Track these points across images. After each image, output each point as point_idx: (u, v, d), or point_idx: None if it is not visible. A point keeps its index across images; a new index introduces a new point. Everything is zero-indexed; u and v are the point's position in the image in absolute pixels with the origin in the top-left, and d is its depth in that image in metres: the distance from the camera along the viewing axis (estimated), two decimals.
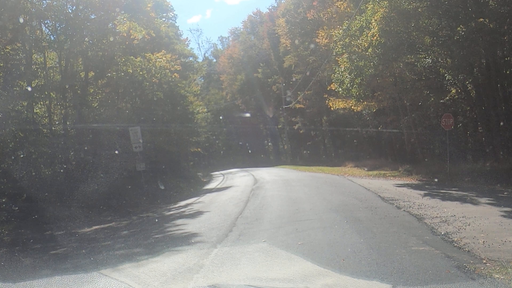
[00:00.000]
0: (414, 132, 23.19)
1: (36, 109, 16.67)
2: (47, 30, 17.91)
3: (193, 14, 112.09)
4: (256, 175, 26.28)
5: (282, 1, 48.84)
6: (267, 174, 26.72)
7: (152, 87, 22.80)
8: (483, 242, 6.49)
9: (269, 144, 63.74)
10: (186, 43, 41.89)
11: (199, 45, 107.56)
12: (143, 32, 19.79)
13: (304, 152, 49.96)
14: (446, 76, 18.88)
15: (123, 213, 14.81)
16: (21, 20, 15.06)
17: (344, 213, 9.82)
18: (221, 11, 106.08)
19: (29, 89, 15.36)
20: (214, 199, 16.38)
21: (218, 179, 31.28)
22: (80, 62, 18.33)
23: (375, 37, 16.40)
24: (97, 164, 16.73)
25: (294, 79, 42.45)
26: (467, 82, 18.81)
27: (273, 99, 52.03)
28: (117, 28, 18.59)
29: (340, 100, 24.43)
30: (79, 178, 15.80)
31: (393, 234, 7.41)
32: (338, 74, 19.41)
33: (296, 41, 38.46)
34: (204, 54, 75.68)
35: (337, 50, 19.72)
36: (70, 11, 17.17)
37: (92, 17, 17.53)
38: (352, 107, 23.98)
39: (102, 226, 12.29)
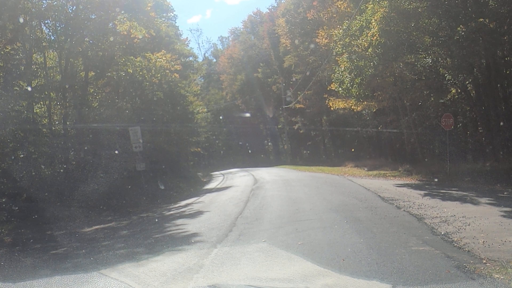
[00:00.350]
0: (414, 132, 23.19)
1: (36, 109, 16.68)
2: (47, 30, 17.94)
3: (193, 14, 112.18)
4: (256, 175, 26.28)
5: (282, 1, 48.86)
6: (267, 174, 26.72)
7: (152, 87, 22.81)
8: (483, 242, 6.49)
9: (269, 144, 63.74)
10: (186, 43, 41.90)
11: (199, 45, 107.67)
12: (143, 32, 19.79)
13: (304, 152, 49.98)
14: (446, 76, 18.87)
15: (123, 213, 14.81)
16: (21, 20, 15.07)
17: (344, 213, 9.82)
18: (221, 11, 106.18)
19: (29, 89, 15.37)
20: (214, 199, 16.38)
21: (218, 179, 31.27)
22: (80, 62, 18.33)
23: (375, 37, 16.39)
24: (97, 164, 16.73)
25: (294, 79, 42.47)
26: (467, 82, 18.80)
27: (273, 99, 52.04)
28: (117, 28, 18.59)
29: (340, 100, 24.42)
30: (79, 178, 15.80)
31: (393, 234, 7.41)
32: (338, 74, 19.41)
33: (296, 41, 38.46)
34: (204, 54, 75.76)
35: (337, 50, 19.72)
36: (70, 11, 17.18)
37: (92, 17, 17.53)
38: (352, 107, 23.98)
39: (102, 226, 12.29)
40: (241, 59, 58.02)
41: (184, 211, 13.84)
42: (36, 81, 16.36)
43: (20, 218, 12.40)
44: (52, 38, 17.49)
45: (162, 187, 20.33)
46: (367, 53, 17.07)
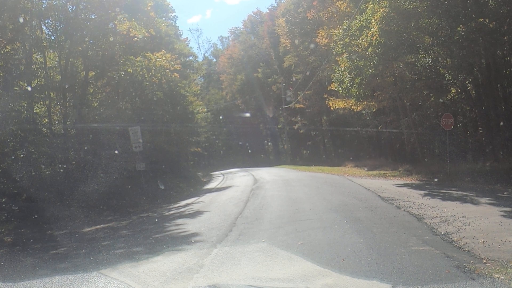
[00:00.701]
0: (414, 132, 23.19)
1: (36, 109, 16.68)
2: (47, 30, 17.93)
3: (193, 14, 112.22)
4: (256, 175, 26.28)
5: (282, 1, 48.87)
6: (267, 174, 26.72)
7: (152, 87, 22.80)
8: (483, 242, 6.49)
9: (269, 144, 63.76)
10: (186, 43, 41.91)
11: (199, 45, 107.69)
12: (143, 31, 19.79)
13: (304, 152, 49.99)
14: (446, 76, 18.87)
15: (123, 213, 14.81)
16: (21, 20, 15.07)
17: (344, 213, 9.82)
18: (221, 11, 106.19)
19: (29, 89, 15.38)
20: (214, 199, 16.38)
21: (218, 179, 31.27)
22: (80, 62, 18.33)
23: (375, 37, 16.39)
24: (97, 164, 16.73)
25: (294, 79, 42.47)
26: (467, 82, 18.80)
27: (273, 99, 52.05)
28: (117, 28, 18.59)
29: (340, 100, 24.42)
30: (79, 178, 15.80)
31: (393, 234, 7.41)
32: (338, 73, 19.40)
33: (296, 41, 38.46)
34: (204, 54, 75.78)
35: (337, 50, 19.70)
36: (70, 10, 17.19)
37: (92, 16, 17.54)
38: (352, 107, 23.97)
39: (102, 226, 12.29)
40: (241, 59, 58.02)
41: (184, 211, 13.84)
42: (36, 81, 16.36)
43: (20, 218, 12.40)
44: (52, 38, 17.51)
45: (162, 187, 20.33)
46: (367, 53, 17.06)
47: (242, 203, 13.24)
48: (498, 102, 17.97)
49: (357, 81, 18.16)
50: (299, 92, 40.43)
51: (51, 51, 17.58)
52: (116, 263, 6.97)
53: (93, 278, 6.11)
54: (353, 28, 17.90)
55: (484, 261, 5.53)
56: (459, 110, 21.85)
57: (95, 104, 19.45)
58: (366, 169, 25.50)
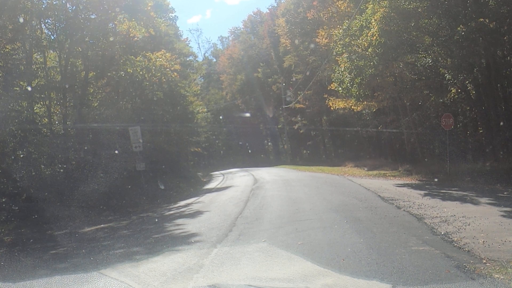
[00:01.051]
0: (414, 132, 23.18)
1: (36, 109, 16.69)
2: (47, 30, 17.93)
3: (193, 14, 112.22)
4: (256, 175, 26.28)
5: (282, 1, 48.87)
6: (267, 174, 26.72)
7: (152, 86, 22.81)
8: (483, 242, 6.49)
9: (269, 144, 63.76)
10: (186, 43, 41.92)
11: (199, 45, 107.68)
12: (143, 31, 19.79)
13: (304, 152, 50.00)
14: (446, 76, 18.87)
15: (123, 213, 14.81)
16: (21, 20, 15.08)
17: (344, 213, 9.82)
18: (221, 11, 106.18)
19: (29, 89, 15.38)
20: (214, 199, 16.38)
21: (218, 179, 31.27)
22: (80, 62, 18.34)
23: (375, 37, 16.39)
24: (97, 164, 16.73)
25: (294, 79, 42.47)
26: (467, 82, 18.80)
27: (273, 99, 52.04)
28: (117, 27, 18.59)
29: (340, 100, 24.42)
30: (79, 178, 15.80)
31: (393, 234, 7.41)
32: (338, 73, 19.39)
33: (296, 41, 38.46)
34: (204, 54, 75.78)
35: (337, 50, 19.70)
36: (70, 10, 17.19)
37: (92, 17, 17.54)
38: (352, 107, 23.96)
39: (102, 226, 12.29)
40: (241, 59, 58.02)
41: (184, 211, 13.84)
42: (36, 81, 16.36)
43: (20, 218, 12.41)
44: (52, 38, 17.51)
45: (162, 187, 20.33)
46: (367, 53, 17.06)
47: (242, 203, 13.24)
48: (498, 102, 17.97)
49: (357, 81, 18.16)
50: (299, 92, 40.43)
51: (51, 51, 17.59)
52: (116, 263, 6.97)
53: (93, 278, 6.10)
54: (353, 28, 17.89)
55: (484, 261, 5.53)
56: (459, 110, 21.83)
57: (95, 104, 19.45)
58: (366, 169, 25.51)
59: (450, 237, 6.97)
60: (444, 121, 17.66)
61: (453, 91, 20.52)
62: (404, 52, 17.65)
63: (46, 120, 17.00)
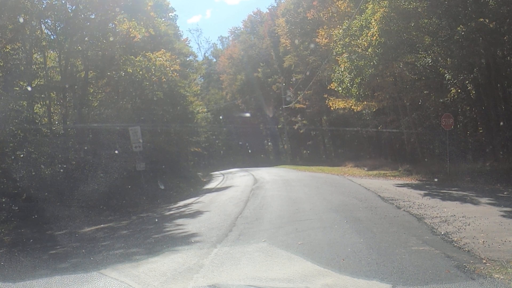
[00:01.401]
0: (414, 132, 23.18)
1: (36, 109, 16.69)
2: (47, 30, 17.93)
3: (193, 14, 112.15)
4: (256, 175, 26.28)
5: (282, 1, 48.86)
6: (267, 174, 26.71)
7: (152, 86, 22.81)
8: (483, 242, 6.49)
9: (269, 144, 63.75)
10: (186, 43, 41.92)
11: (199, 45, 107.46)
12: (143, 31, 19.78)
13: (304, 152, 49.99)
14: (446, 76, 18.87)
15: (123, 213, 14.81)
16: (21, 20, 15.08)
17: (344, 213, 9.81)
18: (221, 11, 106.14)
19: (29, 89, 15.38)
20: (214, 199, 16.38)
21: (218, 179, 31.27)
22: (80, 62, 18.34)
23: (375, 37, 16.38)
24: (97, 164, 16.73)
25: (294, 79, 42.47)
26: (467, 82, 18.80)
27: (273, 99, 52.04)
28: (117, 28, 18.59)
29: (340, 100, 24.42)
30: (79, 178, 15.80)
31: (393, 234, 7.41)
32: (338, 73, 19.39)
33: (296, 41, 38.46)
34: (204, 54, 75.72)
35: (337, 50, 19.70)
36: (70, 10, 17.19)
37: (92, 16, 17.55)
38: (352, 107, 23.97)
39: (102, 226, 12.29)
40: (241, 59, 58.01)
41: (184, 211, 13.84)
42: (36, 81, 16.36)
43: (20, 218, 12.41)
44: (52, 37, 17.51)
45: (162, 187, 20.33)
46: (367, 53, 17.06)
47: (242, 203, 13.23)
48: (498, 102, 17.97)
49: (357, 81, 18.16)
50: (299, 92, 40.43)
51: (51, 51, 17.59)
52: (116, 263, 6.96)
53: (93, 278, 6.10)
54: (353, 28, 17.89)
55: (484, 261, 5.53)
56: (459, 110, 21.84)
57: (95, 104, 19.45)
58: (366, 169, 25.50)
59: (450, 237, 6.97)
60: (444, 121, 17.66)
61: (453, 91, 20.52)
62: (404, 52, 17.65)
63: (46, 120, 17.00)
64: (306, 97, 39.19)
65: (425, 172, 18.78)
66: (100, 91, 20.01)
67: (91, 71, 18.31)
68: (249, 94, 55.64)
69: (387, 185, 15.89)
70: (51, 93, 16.92)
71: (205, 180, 32.85)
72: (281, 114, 50.48)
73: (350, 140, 37.40)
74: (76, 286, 5.77)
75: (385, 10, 16.09)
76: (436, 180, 16.38)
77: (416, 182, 17.02)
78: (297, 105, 40.91)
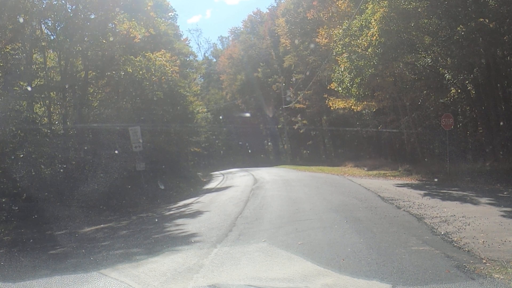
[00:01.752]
0: (414, 132, 23.18)
1: (36, 109, 16.67)
2: (47, 30, 17.92)
3: (193, 14, 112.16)
4: (256, 175, 26.28)
5: (282, 1, 48.85)
6: (267, 174, 26.71)
7: (152, 86, 22.82)
8: (483, 242, 6.49)
9: (269, 144, 63.76)
10: (186, 43, 41.93)
11: (198, 45, 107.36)
12: (143, 31, 19.78)
13: (304, 152, 50.00)
14: (446, 76, 18.87)
15: (123, 213, 14.81)
16: (21, 20, 15.08)
17: (344, 213, 9.81)
18: (221, 11, 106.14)
19: (29, 89, 15.37)
20: (214, 199, 16.38)
21: (218, 179, 31.27)
22: (80, 62, 18.33)
23: (375, 37, 16.38)
24: (97, 164, 16.73)
25: (294, 79, 42.47)
26: (467, 82, 18.80)
27: (273, 99, 52.04)
28: (117, 27, 18.58)
29: (340, 100, 24.43)
30: (79, 178, 15.80)
31: (393, 234, 7.41)
32: (338, 73, 19.39)
33: (296, 41, 38.45)
34: (204, 54, 75.76)
35: (337, 49, 19.70)
36: (69, 10, 17.19)
37: (92, 16, 17.54)
38: (352, 107, 23.98)
39: (102, 226, 12.29)
40: (241, 59, 58.00)
41: (184, 211, 13.84)
42: (36, 81, 16.36)
43: (20, 218, 12.41)
44: (52, 38, 17.51)
45: (162, 187, 20.33)
46: (367, 53, 17.06)
47: (242, 203, 13.23)
48: (498, 102, 17.97)
49: (357, 81, 18.16)
50: (299, 92, 40.43)
51: (51, 51, 17.58)
52: (116, 263, 6.96)
53: (93, 278, 6.10)
54: (353, 28, 17.89)
55: (484, 261, 5.53)
56: (459, 110, 21.84)
57: (95, 104, 19.45)
58: (366, 169, 25.50)
59: (450, 237, 6.97)
60: (444, 121, 17.66)
61: (453, 91, 20.53)
62: (404, 52, 17.65)
63: (46, 120, 16.99)
64: (306, 97, 39.19)
65: (425, 172, 18.78)
66: (100, 91, 20.00)
67: (91, 71, 18.30)
68: (249, 94, 55.63)
69: (387, 185, 15.89)
70: (51, 93, 16.91)
71: (205, 180, 32.85)
72: (281, 114, 50.49)
73: (350, 140, 37.39)
74: (76, 286, 5.77)
75: (385, 10, 16.09)
76: (436, 180, 16.37)
77: (416, 182, 17.02)
78: (297, 105, 40.91)
